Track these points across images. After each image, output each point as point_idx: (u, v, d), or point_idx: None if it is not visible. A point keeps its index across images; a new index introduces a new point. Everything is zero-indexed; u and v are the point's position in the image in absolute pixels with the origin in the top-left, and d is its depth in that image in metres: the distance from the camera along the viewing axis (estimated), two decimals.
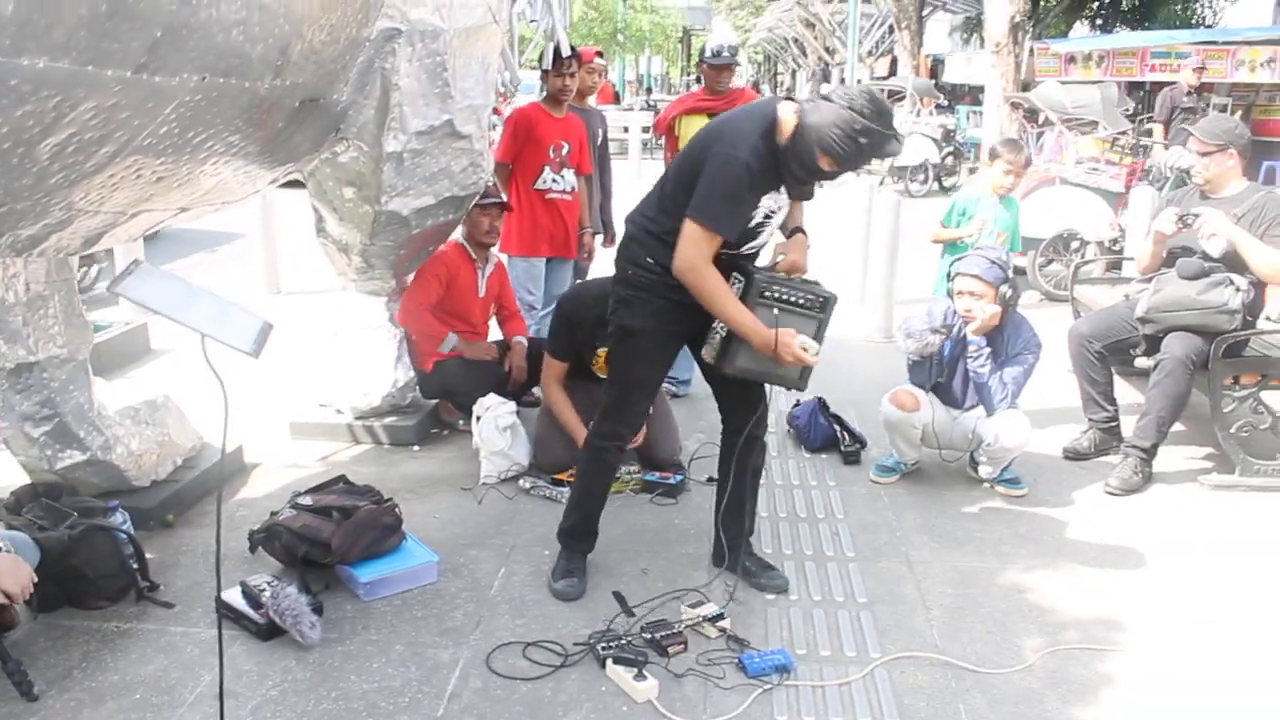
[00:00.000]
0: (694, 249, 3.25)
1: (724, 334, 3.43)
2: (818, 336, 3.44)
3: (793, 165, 3.22)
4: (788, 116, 3.22)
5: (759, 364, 3.42)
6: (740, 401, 3.67)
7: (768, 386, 3.65)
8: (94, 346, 4.11)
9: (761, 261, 3.56)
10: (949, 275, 4.63)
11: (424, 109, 4.09)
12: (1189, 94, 11.66)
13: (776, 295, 3.37)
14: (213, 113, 3.02)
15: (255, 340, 2.14)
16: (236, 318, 2.16)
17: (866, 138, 3.07)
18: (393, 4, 3.82)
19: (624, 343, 3.55)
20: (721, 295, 3.30)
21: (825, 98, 3.17)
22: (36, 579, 3.12)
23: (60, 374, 3.84)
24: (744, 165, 3.18)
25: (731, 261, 3.42)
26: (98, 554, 3.46)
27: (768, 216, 3.41)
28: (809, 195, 3.58)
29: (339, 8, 3.38)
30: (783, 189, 3.38)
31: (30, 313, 3.71)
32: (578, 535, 3.75)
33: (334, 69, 3.61)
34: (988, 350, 4.49)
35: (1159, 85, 15.46)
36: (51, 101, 2.49)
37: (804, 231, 3.60)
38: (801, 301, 3.41)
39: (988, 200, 5.44)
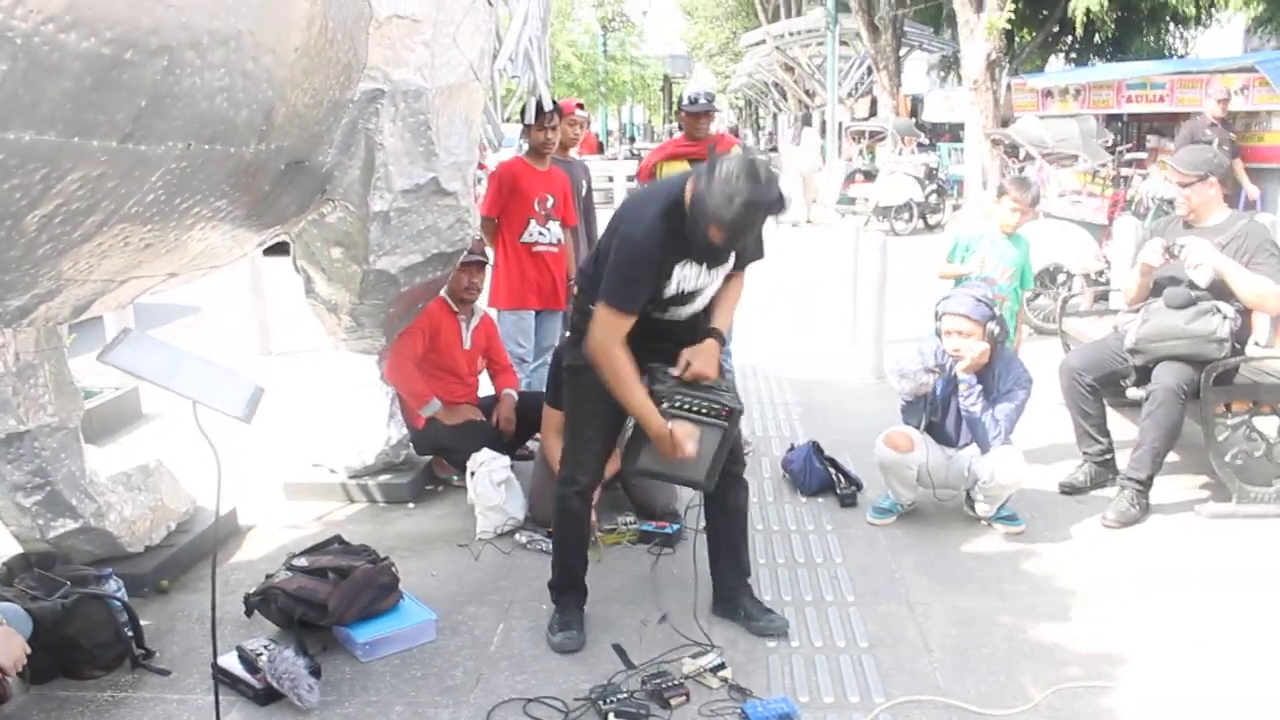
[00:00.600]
0: (602, 331, 3.37)
1: (629, 434, 3.56)
2: (722, 445, 3.52)
3: (693, 241, 3.30)
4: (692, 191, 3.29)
5: (662, 465, 3.52)
6: None
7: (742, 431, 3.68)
8: (85, 412, 4.10)
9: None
10: (936, 315, 4.64)
11: (409, 168, 4.12)
12: (1212, 125, 11.63)
13: (679, 405, 3.46)
14: (199, 179, 3.04)
15: (247, 405, 2.14)
16: (227, 383, 2.16)
17: (745, 206, 3.12)
18: (375, 65, 3.85)
19: (574, 381, 3.62)
20: (625, 379, 3.40)
21: (705, 171, 3.18)
22: (29, 650, 3.10)
23: (51, 442, 3.83)
24: (637, 246, 3.31)
25: (654, 329, 3.50)
26: (92, 623, 3.43)
27: (689, 292, 3.48)
28: (757, 256, 3.62)
29: (321, 71, 3.41)
30: (702, 263, 3.43)
31: (20, 382, 3.71)
32: (563, 588, 3.75)
33: (318, 131, 3.63)
34: (979, 388, 4.50)
35: (1136, 116, 15.66)
36: (38, 174, 2.51)
37: (719, 336, 3.62)
38: (705, 411, 3.48)
39: (992, 237, 5.43)
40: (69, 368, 3.95)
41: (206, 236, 3.43)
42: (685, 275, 3.43)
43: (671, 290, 3.44)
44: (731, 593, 3.76)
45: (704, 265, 3.44)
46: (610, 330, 3.35)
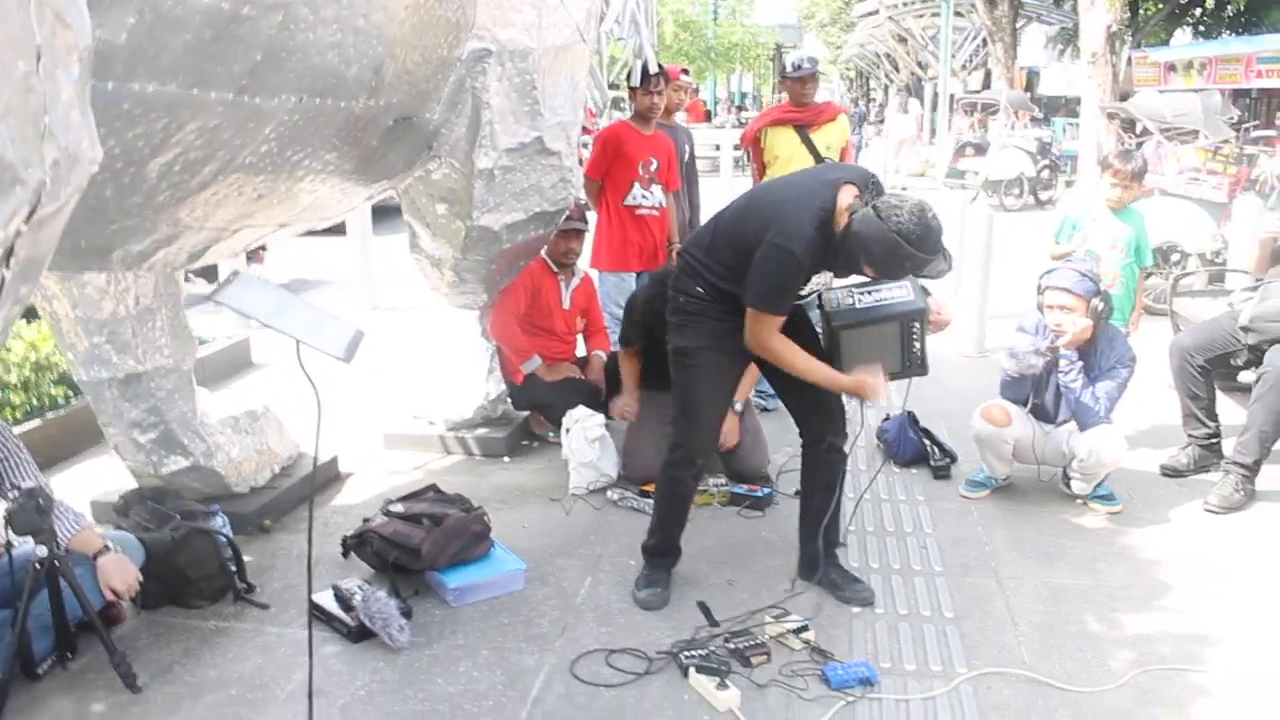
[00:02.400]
0: (762, 330, 3.41)
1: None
2: (910, 346, 3.50)
3: (841, 260, 3.34)
4: (844, 205, 3.27)
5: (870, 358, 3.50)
6: (814, 412, 3.70)
7: (843, 397, 3.67)
8: (199, 359, 4.27)
9: None
10: (1039, 288, 4.55)
11: (514, 126, 4.18)
12: None
13: (849, 319, 3.48)
14: (310, 132, 3.13)
15: (348, 347, 2.22)
16: (330, 326, 2.25)
17: (910, 261, 3.18)
18: (483, 25, 3.90)
19: (682, 364, 3.63)
20: (799, 360, 3.45)
21: (876, 209, 3.17)
22: (142, 578, 3.28)
23: (166, 383, 4.00)
24: (796, 261, 3.29)
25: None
26: (199, 556, 3.60)
27: (815, 287, 3.53)
28: None
29: (431, 30, 3.48)
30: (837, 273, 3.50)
31: (139, 325, 3.88)
32: (660, 553, 3.79)
33: (426, 88, 3.71)
34: (1080, 364, 4.41)
35: (1266, 91, 15.03)
36: (160, 123, 2.62)
37: None
38: (868, 314, 3.48)
39: (1098, 213, 5.27)
40: (184, 313, 4.12)
41: (316, 189, 3.54)
42: (819, 280, 3.50)
43: (804, 292, 3.50)
44: (820, 560, 3.77)
45: (825, 276, 3.51)
46: (768, 328, 3.41)
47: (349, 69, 3.06)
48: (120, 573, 3.20)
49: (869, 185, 3.34)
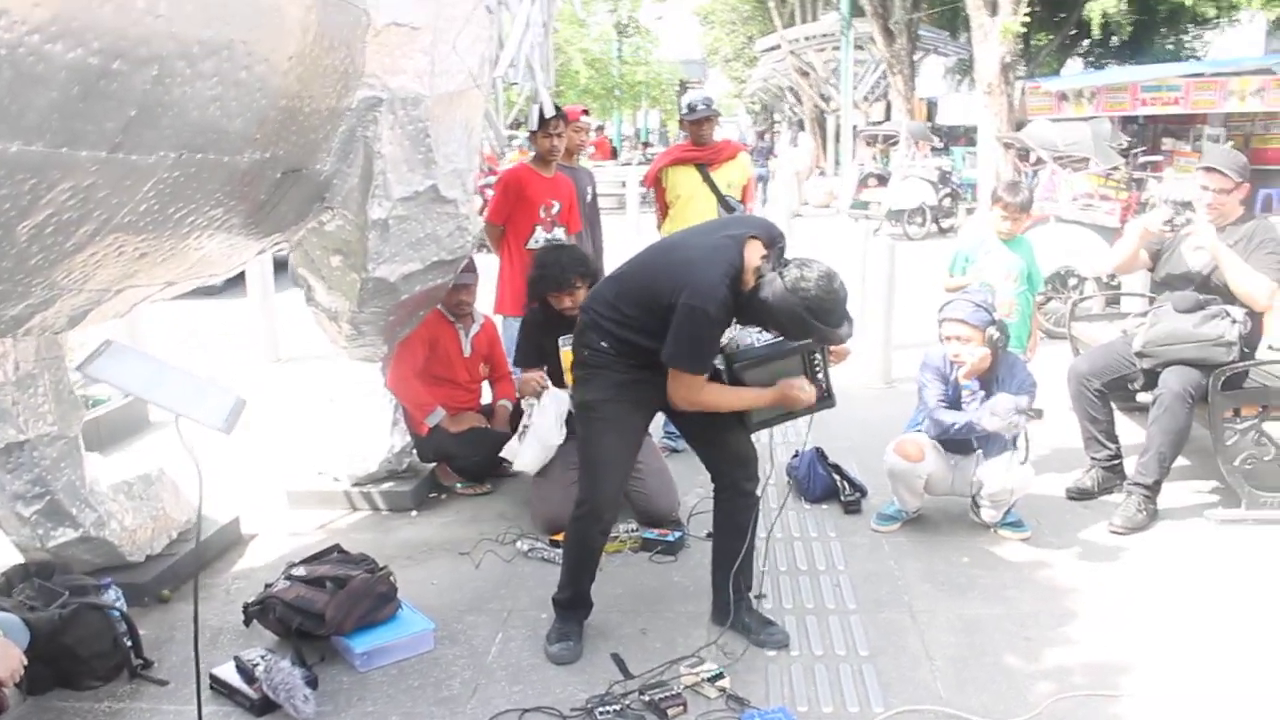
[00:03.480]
0: (687, 390, 3.46)
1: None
2: (813, 367, 3.62)
3: (748, 317, 3.46)
4: (752, 265, 3.35)
5: (769, 412, 3.64)
6: (725, 459, 3.70)
7: (753, 438, 3.71)
8: (92, 421, 4.11)
9: None
10: (939, 321, 4.61)
11: (408, 175, 4.11)
12: None
13: (749, 359, 3.58)
14: (193, 188, 3.03)
15: (228, 417, 2.13)
16: (209, 395, 2.16)
17: (816, 333, 3.31)
18: (373, 72, 3.84)
19: (587, 418, 3.62)
20: (728, 398, 3.56)
21: (783, 277, 3.24)
22: (26, 661, 3.10)
23: (51, 451, 3.83)
24: (711, 320, 3.33)
25: None
26: (90, 632, 3.43)
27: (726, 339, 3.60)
28: None
29: (318, 80, 3.41)
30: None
31: (20, 392, 3.71)
32: (571, 605, 3.72)
33: (315, 139, 3.63)
34: (981, 394, 4.46)
35: (1152, 119, 15.57)
36: (27, 184, 2.51)
37: None
38: (769, 352, 3.60)
39: (991, 244, 5.37)
40: (69, 377, 3.96)
41: (203, 245, 3.43)
42: (730, 332, 3.57)
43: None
44: (732, 606, 3.72)
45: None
46: (692, 387, 3.45)
47: (231, 122, 2.97)
48: (2, 658, 3.02)
49: (774, 241, 3.42)
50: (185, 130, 2.81)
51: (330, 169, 3.89)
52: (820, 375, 3.63)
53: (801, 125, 30.69)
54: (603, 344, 3.51)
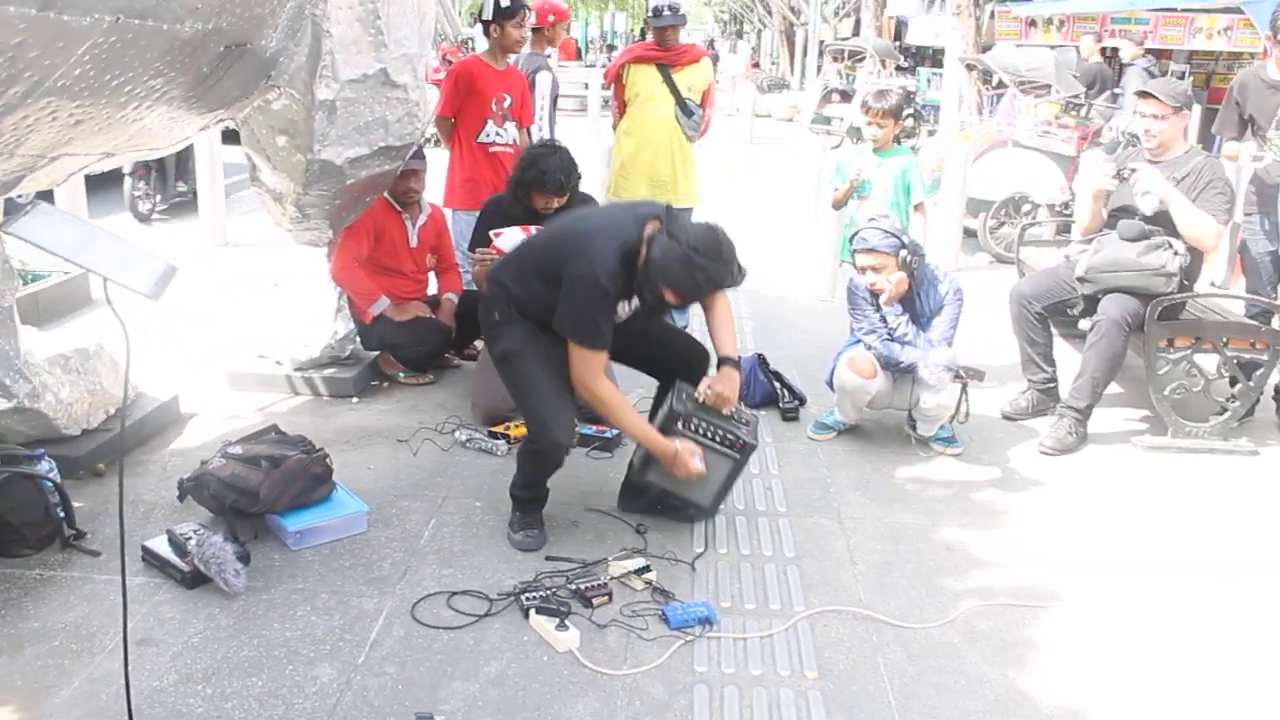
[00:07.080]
0: (583, 368, 3.49)
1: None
2: (731, 476, 3.73)
3: (644, 292, 3.42)
4: (647, 237, 3.39)
5: (668, 482, 3.70)
6: (673, 359, 3.84)
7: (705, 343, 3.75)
8: (31, 296, 4.03)
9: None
10: (851, 253, 4.63)
11: (356, 57, 4.02)
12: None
13: (694, 428, 3.65)
14: (131, 55, 2.95)
15: (157, 283, 2.10)
16: (139, 261, 2.13)
17: (703, 275, 3.33)
18: None
19: (510, 365, 3.66)
20: (618, 408, 3.59)
21: (671, 234, 3.32)
22: None
23: None
24: (601, 290, 3.38)
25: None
26: (21, 501, 3.44)
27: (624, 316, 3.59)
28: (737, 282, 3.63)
29: None
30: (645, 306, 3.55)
31: None
32: (532, 499, 3.74)
33: (261, 13, 3.53)
34: (905, 317, 4.51)
35: (1116, 51, 15.51)
36: None
37: (735, 364, 3.76)
38: (719, 439, 3.67)
39: (866, 154, 5.37)
40: (4, 247, 3.88)
41: (142, 116, 3.35)
42: (626, 308, 3.56)
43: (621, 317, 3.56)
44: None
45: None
46: (590, 366, 3.48)
47: None
48: None
49: (667, 216, 3.49)
50: None
51: (277, 46, 3.80)
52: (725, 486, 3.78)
53: (791, 36, 30.76)
54: (507, 305, 3.60)
